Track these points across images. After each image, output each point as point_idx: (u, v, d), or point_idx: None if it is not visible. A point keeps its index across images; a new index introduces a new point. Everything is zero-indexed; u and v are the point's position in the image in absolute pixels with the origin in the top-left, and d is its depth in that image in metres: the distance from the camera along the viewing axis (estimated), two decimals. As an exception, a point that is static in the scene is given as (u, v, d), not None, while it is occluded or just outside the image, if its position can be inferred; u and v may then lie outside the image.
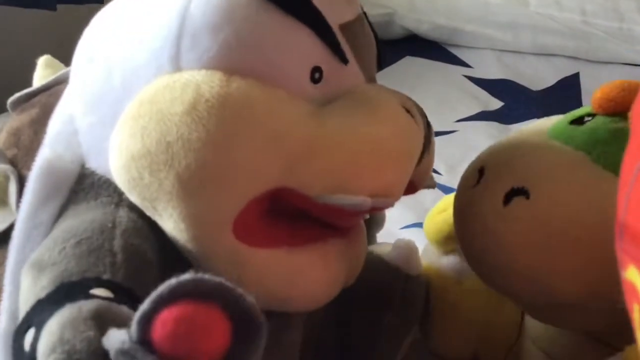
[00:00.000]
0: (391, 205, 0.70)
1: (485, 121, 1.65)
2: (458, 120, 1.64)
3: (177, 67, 0.64)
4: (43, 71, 0.85)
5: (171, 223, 0.63)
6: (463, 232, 0.75)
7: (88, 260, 0.60)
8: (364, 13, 0.72)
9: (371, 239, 0.84)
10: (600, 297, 0.69)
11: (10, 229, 0.69)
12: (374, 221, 0.84)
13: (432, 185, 0.79)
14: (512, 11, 1.88)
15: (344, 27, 0.68)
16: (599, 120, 0.74)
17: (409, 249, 0.82)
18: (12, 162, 0.76)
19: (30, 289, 0.60)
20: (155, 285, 0.50)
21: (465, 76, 1.79)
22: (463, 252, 0.77)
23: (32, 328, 0.56)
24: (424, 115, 0.72)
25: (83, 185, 0.67)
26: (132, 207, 0.65)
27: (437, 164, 1.47)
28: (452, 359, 0.87)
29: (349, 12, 0.69)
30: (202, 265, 0.64)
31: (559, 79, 1.79)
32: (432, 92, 1.69)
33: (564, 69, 1.81)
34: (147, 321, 0.49)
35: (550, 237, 0.69)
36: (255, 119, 0.62)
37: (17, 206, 0.69)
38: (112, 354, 0.50)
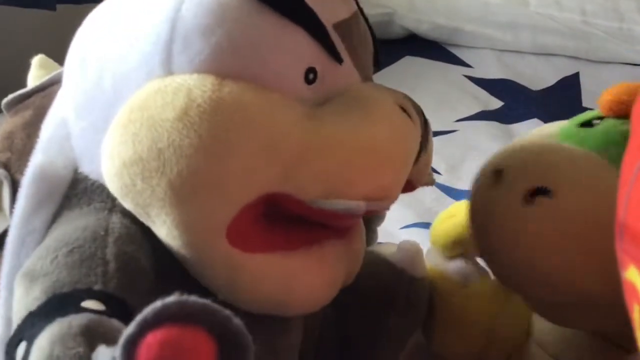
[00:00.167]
0: (387, 207, 0.69)
1: (485, 121, 1.64)
2: (458, 120, 1.64)
3: (168, 70, 0.63)
4: (37, 71, 0.84)
5: (165, 229, 0.62)
6: (481, 233, 0.74)
7: (80, 270, 0.59)
8: (361, 10, 0.71)
9: (372, 234, 0.83)
10: (621, 296, 0.69)
11: (4, 234, 0.68)
12: (375, 215, 0.83)
13: (431, 182, 0.79)
14: (512, 11, 1.87)
15: (338, 26, 0.67)
16: (610, 122, 0.74)
17: (414, 251, 0.81)
18: (6, 166, 0.75)
19: (22, 299, 0.59)
20: (149, 293, 0.49)
21: (465, 76, 1.79)
22: (480, 252, 0.77)
23: (24, 342, 0.55)
24: (420, 113, 0.70)
25: (76, 190, 0.66)
26: (126, 213, 0.63)
27: (437, 164, 1.47)
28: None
29: (344, 10, 0.68)
30: (197, 271, 0.63)
31: (559, 78, 1.78)
32: (432, 92, 1.69)
33: (564, 69, 1.80)
34: (132, 345, 0.47)
35: (574, 236, 0.69)
36: (248, 123, 0.61)
37: (11, 211, 0.69)
38: None
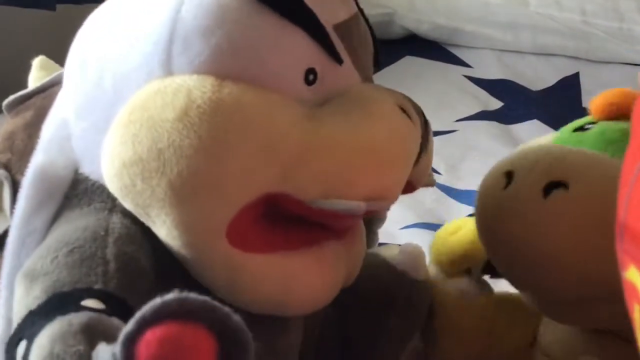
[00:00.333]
0: (388, 207, 0.69)
1: (485, 121, 1.64)
2: (458, 120, 1.64)
3: (168, 71, 0.63)
4: (38, 73, 0.84)
5: (165, 230, 0.62)
6: (497, 234, 0.74)
7: (80, 269, 0.59)
8: (361, 11, 0.71)
9: (372, 235, 0.83)
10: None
11: (4, 234, 0.68)
12: (375, 217, 0.83)
13: (431, 183, 0.79)
14: (512, 11, 1.87)
15: (338, 27, 0.67)
16: (603, 124, 0.75)
17: (416, 254, 0.81)
18: (6, 167, 0.75)
19: (22, 299, 0.59)
20: (149, 293, 0.49)
21: (465, 76, 1.79)
22: (493, 254, 0.77)
23: (24, 341, 0.55)
24: (421, 114, 0.71)
25: (77, 191, 0.66)
26: (126, 213, 0.64)
27: (437, 164, 1.47)
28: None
29: (344, 11, 0.68)
30: (197, 271, 0.63)
31: (559, 79, 1.78)
32: (432, 92, 1.69)
33: (564, 69, 1.80)
34: (131, 342, 0.47)
35: (594, 226, 0.69)
36: (247, 124, 0.61)
37: (11, 212, 0.69)
38: None
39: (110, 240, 0.62)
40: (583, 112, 1.75)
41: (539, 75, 1.79)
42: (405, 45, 1.89)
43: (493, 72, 1.80)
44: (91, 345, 0.51)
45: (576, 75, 1.79)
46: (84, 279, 0.59)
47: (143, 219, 0.63)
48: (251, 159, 0.61)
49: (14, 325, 0.58)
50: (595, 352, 0.77)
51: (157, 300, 0.48)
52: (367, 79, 0.70)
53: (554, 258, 0.71)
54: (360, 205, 0.65)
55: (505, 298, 0.85)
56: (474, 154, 1.51)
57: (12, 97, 0.80)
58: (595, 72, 1.79)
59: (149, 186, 0.61)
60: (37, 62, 0.85)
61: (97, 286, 0.59)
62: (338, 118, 0.65)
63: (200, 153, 0.60)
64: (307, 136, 0.63)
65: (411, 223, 1.32)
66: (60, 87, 0.70)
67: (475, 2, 1.89)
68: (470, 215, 0.79)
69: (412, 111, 0.68)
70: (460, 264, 0.83)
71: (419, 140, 0.69)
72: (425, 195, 1.40)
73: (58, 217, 0.66)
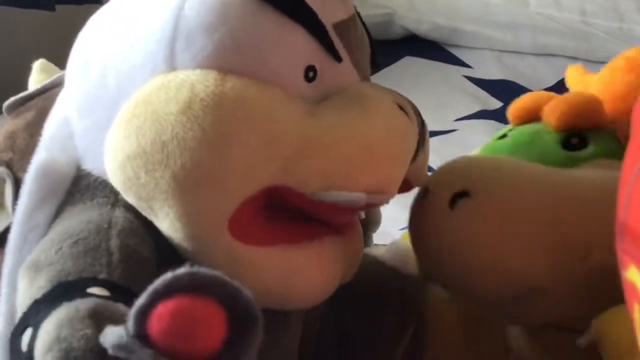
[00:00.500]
0: (386, 201, 0.70)
1: (484, 120, 1.65)
2: (457, 120, 1.64)
3: (171, 67, 0.64)
4: (38, 75, 0.85)
5: (167, 222, 0.64)
6: (419, 247, 0.77)
7: (85, 260, 0.60)
8: (358, 13, 0.73)
9: (367, 240, 0.83)
10: (559, 280, 0.72)
11: (6, 231, 0.69)
12: (370, 221, 0.84)
13: None
14: (512, 11, 1.88)
15: (337, 26, 0.69)
16: (518, 130, 0.82)
17: (403, 251, 0.82)
18: (8, 166, 0.76)
19: (27, 290, 0.61)
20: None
21: (465, 76, 1.79)
22: (423, 267, 0.80)
23: (30, 328, 0.56)
24: (417, 113, 0.72)
25: (79, 186, 0.68)
26: (129, 208, 0.65)
27: (436, 164, 1.47)
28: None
29: (343, 11, 0.70)
30: (199, 263, 0.64)
31: (559, 79, 1.78)
32: (431, 92, 1.69)
33: (564, 69, 1.80)
34: (143, 315, 0.49)
35: (498, 228, 0.72)
36: (250, 118, 0.63)
37: (13, 209, 0.70)
38: (109, 348, 0.50)
39: (114, 232, 0.63)
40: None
41: (539, 76, 1.79)
42: (405, 45, 1.89)
43: (493, 73, 1.80)
44: (98, 329, 0.52)
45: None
46: (89, 269, 0.60)
47: (145, 212, 0.65)
48: (253, 151, 0.63)
49: (18, 315, 0.60)
50: (539, 348, 0.80)
51: (168, 274, 0.50)
52: (365, 79, 0.72)
53: (467, 264, 0.73)
54: (360, 197, 0.66)
55: None
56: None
57: (12, 99, 0.81)
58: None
59: (152, 178, 0.63)
60: (38, 65, 0.86)
61: (101, 276, 0.60)
62: (337, 114, 0.67)
63: (203, 145, 0.62)
64: (307, 131, 0.65)
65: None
66: (61, 88, 0.72)
67: (475, 2, 1.89)
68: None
69: (409, 109, 0.70)
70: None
71: (416, 138, 0.71)
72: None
73: (60, 213, 0.67)
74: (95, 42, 0.68)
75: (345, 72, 0.69)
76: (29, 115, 0.78)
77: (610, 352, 0.68)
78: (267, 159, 0.63)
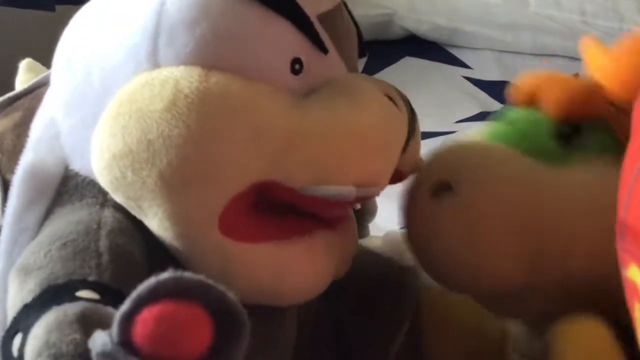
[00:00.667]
0: (377, 194, 0.70)
1: (485, 122, 1.64)
2: (457, 121, 1.64)
3: (155, 63, 0.64)
4: (24, 75, 0.85)
5: (156, 221, 0.63)
6: (405, 235, 0.76)
7: (74, 262, 0.60)
8: (344, 3, 0.72)
9: (363, 230, 0.83)
10: (536, 282, 0.71)
11: (-4, 233, 0.71)
12: (366, 211, 0.83)
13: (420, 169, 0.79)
14: (512, 11, 1.87)
15: (322, 17, 0.68)
16: (515, 114, 0.79)
17: (399, 241, 0.82)
18: (-4, 167, 0.75)
19: (17, 293, 0.60)
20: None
21: (465, 77, 1.79)
22: (413, 254, 0.78)
23: (20, 333, 0.56)
24: (407, 103, 0.72)
25: (67, 187, 0.67)
26: (118, 207, 0.64)
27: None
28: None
29: (327, 1, 0.69)
30: (190, 262, 0.64)
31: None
32: (431, 92, 1.69)
33: (564, 69, 1.80)
34: (127, 322, 0.48)
35: (475, 225, 0.71)
36: (235, 113, 0.62)
37: (3, 211, 0.69)
38: (94, 356, 0.49)
39: (103, 233, 0.62)
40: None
41: (539, 75, 1.79)
42: (405, 45, 1.89)
43: (493, 73, 1.81)
44: (87, 334, 0.52)
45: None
46: (78, 271, 0.59)
47: (134, 211, 0.64)
48: (240, 147, 0.62)
49: (9, 319, 0.59)
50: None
51: (152, 280, 0.49)
52: (353, 69, 0.71)
53: (443, 258, 0.73)
54: (351, 191, 0.66)
55: None
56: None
57: (-1, 100, 0.80)
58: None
59: (139, 177, 0.62)
60: (24, 64, 0.86)
61: (91, 278, 0.59)
62: (325, 106, 0.66)
63: (189, 142, 0.61)
64: (294, 124, 0.64)
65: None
66: (48, 87, 0.71)
67: (475, 2, 1.89)
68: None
69: (398, 99, 0.70)
70: None
71: (406, 128, 0.70)
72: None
73: (50, 214, 0.67)
74: (79, 39, 0.68)
75: (332, 63, 0.68)
76: (16, 115, 0.77)
77: None
78: (254, 153, 0.63)
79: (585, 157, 0.74)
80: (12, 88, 0.84)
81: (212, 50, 0.63)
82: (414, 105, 0.76)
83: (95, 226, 0.63)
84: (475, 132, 0.81)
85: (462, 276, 0.73)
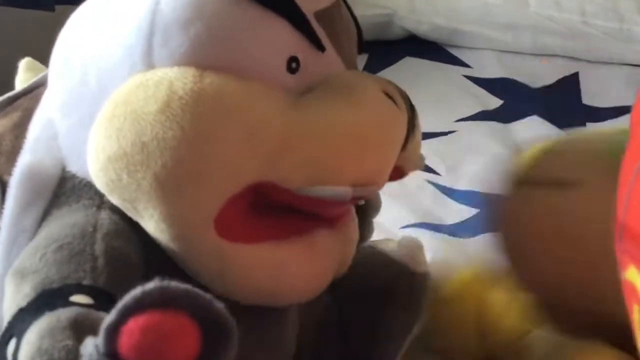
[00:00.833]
0: (375, 192, 0.69)
1: (485, 121, 1.64)
2: (458, 120, 1.63)
3: (149, 64, 0.63)
4: (24, 74, 0.84)
5: (152, 223, 0.63)
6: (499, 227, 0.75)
7: (69, 266, 0.60)
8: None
9: (367, 225, 0.83)
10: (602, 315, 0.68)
11: (-6, 235, 0.68)
12: (370, 206, 0.83)
13: (420, 167, 0.79)
14: (512, 12, 1.87)
15: (319, 14, 0.67)
16: None
17: (415, 247, 0.81)
18: (-6, 168, 0.75)
19: (12, 297, 0.60)
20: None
21: (465, 76, 1.79)
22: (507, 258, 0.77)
23: (14, 338, 0.55)
24: (406, 99, 0.71)
25: (64, 188, 0.67)
26: (114, 209, 0.64)
27: (437, 164, 1.47)
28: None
29: None
30: (187, 263, 0.64)
31: (559, 77, 1.78)
32: (431, 92, 1.69)
33: (564, 69, 1.80)
34: (113, 332, 0.48)
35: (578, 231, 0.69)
36: (230, 114, 0.62)
37: (0, 212, 0.69)
38: None
39: (99, 236, 0.62)
40: (584, 110, 1.74)
41: (539, 75, 1.79)
42: (405, 46, 1.89)
43: (493, 72, 1.80)
44: (79, 340, 0.51)
45: (576, 75, 1.79)
46: (73, 275, 0.59)
47: (130, 213, 0.63)
48: (235, 148, 0.62)
49: (4, 323, 0.59)
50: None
51: (138, 290, 0.48)
52: (352, 66, 0.71)
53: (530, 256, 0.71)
54: (347, 191, 0.65)
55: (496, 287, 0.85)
56: (473, 155, 1.50)
57: (-1, 100, 0.80)
58: (595, 72, 1.79)
59: (134, 180, 0.61)
60: (24, 63, 0.85)
61: (86, 282, 0.59)
62: (322, 105, 0.65)
63: (183, 144, 0.61)
64: (290, 124, 0.63)
65: (410, 223, 1.32)
66: (46, 87, 0.71)
67: (475, 2, 1.89)
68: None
69: (397, 96, 0.69)
70: None
71: (405, 125, 0.70)
72: (424, 196, 1.40)
73: (47, 216, 0.66)
74: (75, 39, 0.67)
75: (329, 61, 0.67)
76: (15, 116, 0.77)
77: None
78: (249, 154, 0.62)
79: None
80: (12, 88, 0.84)
81: (206, 50, 0.63)
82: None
83: (91, 229, 0.62)
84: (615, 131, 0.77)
85: (541, 272, 0.71)
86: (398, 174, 0.73)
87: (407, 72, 1.78)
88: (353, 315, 0.80)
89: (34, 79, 0.80)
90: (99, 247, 0.61)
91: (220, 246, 0.63)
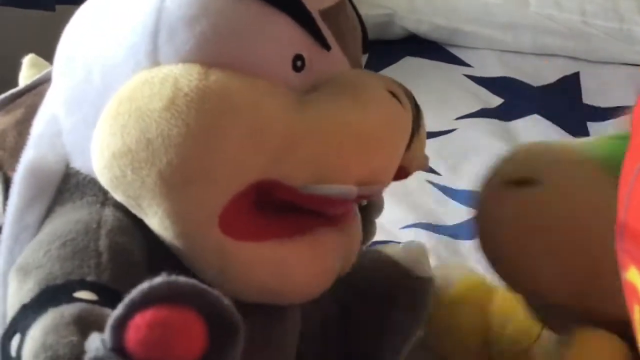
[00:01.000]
0: (380, 192, 0.69)
1: (485, 118, 1.64)
2: (458, 118, 1.63)
3: (154, 61, 0.63)
4: (28, 71, 0.84)
5: (156, 220, 0.62)
6: (475, 225, 0.76)
7: (73, 262, 0.60)
8: None
9: (370, 225, 0.83)
10: (584, 301, 0.70)
11: (-3, 230, 0.68)
12: (372, 206, 0.83)
13: (424, 166, 0.78)
14: (512, 11, 1.87)
15: (325, 13, 0.67)
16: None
17: (419, 251, 0.81)
18: (-2, 164, 0.75)
19: (16, 293, 0.60)
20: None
21: (465, 75, 1.79)
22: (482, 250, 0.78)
23: (18, 334, 0.55)
24: (411, 98, 0.71)
25: (68, 185, 0.66)
26: (118, 206, 0.64)
27: (437, 164, 1.47)
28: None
29: None
30: (190, 261, 0.63)
31: (559, 77, 1.78)
32: (432, 92, 1.68)
33: (564, 69, 1.80)
34: (120, 327, 0.48)
35: (543, 230, 0.70)
36: (235, 111, 0.62)
37: (4, 209, 0.69)
38: None
39: (103, 232, 0.62)
40: (584, 109, 1.73)
41: (540, 74, 1.79)
42: (405, 45, 1.89)
43: (493, 72, 1.80)
44: (84, 335, 0.51)
45: (576, 75, 1.78)
46: (77, 271, 0.59)
47: (135, 210, 0.63)
48: (240, 145, 0.62)
49: (8, 319, 0.59)
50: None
51: (145, 284, 0.48)
52: (356, 65, 0.71)
53: (504, 254, 0.73)
54: (352, 190, 0.65)
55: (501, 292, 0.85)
56: (474, 154, 1.50)
57: (2, 96, 0.80)
58: (595, 72, 1.79)
59: (139, 177, 0.61)
60: (27, 60, 0.85)
61: (89, 278, 0.59)
62: (327, 103, 0.65)
63: (188, 141, 0.60)
64: (295, 122, 0.63)
65: (411, 223, 1.32)
66: (50, 84, 0.71)
67: (475, 2, 1.89)
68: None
69: (402, 95, 0.69)
70: None
71: (409, 124, 0.69)
72: (425, 196, 1.40)
73: (50, 212, 0.66)
74: (79, 37, 0.67)
75: (335, 60, 0.67)
76: (18, 112, 0.77)
77: None
78: (254, 152, 0.62)
79: None
80: (12, 87, 0.84)
81: (212, 48, 0.63)
82: (415, 104, 0.76)
83: (95, 225, 0.62)
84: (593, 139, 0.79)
85: (516, 269, 0.72)
86: (402, 173, 0.73)
87: (407, 72, 1.78)
88: (357, 317, 0.80)
89: (38, 76, 0.80)
90: (103, 244, 0.61)
91: (224, 243, 0.63)
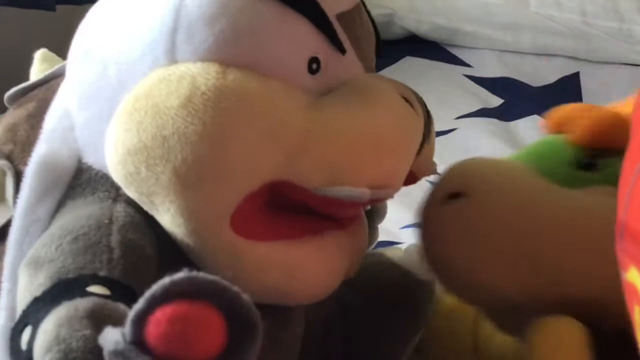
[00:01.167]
0: (391, 196, 0.69)
1: (485, 118, 1.64)
2: (458, 118, 1.63)
3: (172, 59, 0.63)
4: (40, 65, 0.84)
5: (169, 217, 0.63)
6: (421, 241, 0.77)
7: (85, 256, 0.60)
8: (362, 2, 0.71)
9: (373, 231, 0.83)
10: (533, 299, 0.71)
11: (7, 225, 0.68)
12: (376, 212, 0.83)
13: (433, 172, 0.79)
14: (512, 11, 1.87)
15: (341, 17, 0.67)
16: (542, 138, 0.80)
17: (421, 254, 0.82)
18: (9, 158, 0.75)
19: (27, 286, 0.60)
20: (153, 281, 0.49)
21: (465, 75, 1.79)
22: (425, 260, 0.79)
23: (29, 326, 0.55)
24: (423, 104, 0.71)
25: (80, 180, 0.67)
26: (130, 202, 0.64)
27: (438, 165, 1.47)
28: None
29: (346, 1, 0.68)
30: (201, 259, 0.63)
31: (559, 77, 1.78)
32: (432, 92, 1.68)
33: (564, 69, 1.80)
34: (141, 321, 0.48)
35: (481, 236, 0.72)
36: (251, 111, 0.62)
37: (14, 202, 0.69)
38: (106, 354, 0.49)
39: (115, 228, 0.62)
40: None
41: (540, 74, 1.79)
42: (406, 45, 1.89)
43: (493, 72, 1.80)
44: (97, 330, 0.52)
45: (576, 75, 1.79)
46: (89, 266, 0.59)
47: (147, 207, 0.64)
48: (255, 145, 0.62)
49: (18, 312, 0.59)
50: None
51: (166, 280, 0.48)
52: (370, 70, 0.71)
53: (447, 265, 0.73)
54: (364, 192, 0.65)
55: None
56: (473, 154, 1.50)
57: (14, 90, 0.80)
58: (595, 72, 1.79)
59: (153, 173, 0.62)
60: (39, 54, 0.85)
61: (102, 273, 0.59)
62: (341, 106, 0.65)
63: (204, 139, 0.61)
64: (310, 123, 0.64)
65: (411, 223, 1.32)
66: (62, 79, 0.71)
67: (475, 2, 1.89)
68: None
69: (414, 101, 0.69)
70: None
71: (421, 130, 0.70)
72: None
73: (61, 207, 0.66)
74: (96, 33, 0.67)
75: (349, 64, 0.68)
76: (30, 106, 0.77)
77: None
78: (269, 152, 0.62)
79: (600, 188, 0.73)
80: (13, 86, 0.84)
81: (230, 47, 0.63)
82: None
83: (107, 221, 0.62)
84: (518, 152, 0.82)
85: (461, 278, 0.73)
86: (411, 179, 0.73)
87: (407, 72, 1.78)
88: (358, 319, 0.80)
89: (50, 70, 0.80)
90: (114, 239, 0.61)
91: (235, 243, 0.63)
